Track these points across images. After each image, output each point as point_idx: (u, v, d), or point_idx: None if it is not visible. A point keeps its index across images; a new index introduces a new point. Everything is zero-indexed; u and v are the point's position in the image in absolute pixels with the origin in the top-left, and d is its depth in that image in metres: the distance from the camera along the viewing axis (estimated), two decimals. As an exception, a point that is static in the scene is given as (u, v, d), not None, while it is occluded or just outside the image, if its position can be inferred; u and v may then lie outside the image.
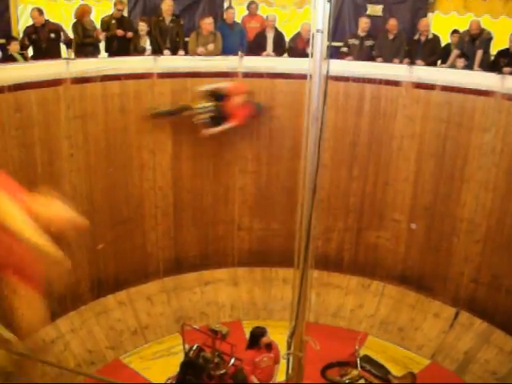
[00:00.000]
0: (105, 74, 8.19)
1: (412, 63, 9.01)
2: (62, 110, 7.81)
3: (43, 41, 8.49)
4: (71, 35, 9.02)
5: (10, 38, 8.35)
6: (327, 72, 4.58)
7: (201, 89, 8.62)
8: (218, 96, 8.64)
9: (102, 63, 8.33)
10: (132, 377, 8.17)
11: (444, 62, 9.35)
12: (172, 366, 8.10)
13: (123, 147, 8.66)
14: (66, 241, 8.22)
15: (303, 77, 7.92)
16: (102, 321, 8.86)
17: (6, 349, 6.15)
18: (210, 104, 8.53)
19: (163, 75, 8.72)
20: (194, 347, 8.07)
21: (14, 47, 8.00)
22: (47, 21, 8.65)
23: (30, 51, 8.69)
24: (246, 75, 9.16)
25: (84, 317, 8.72)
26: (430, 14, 10.28)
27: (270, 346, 7.25)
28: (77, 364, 8.21)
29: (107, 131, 8.43)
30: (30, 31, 8.55)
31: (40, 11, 8.53)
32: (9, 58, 7.98)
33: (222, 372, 7.97)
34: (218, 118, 8.60)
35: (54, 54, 8.38)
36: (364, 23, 9.50)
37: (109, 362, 8.60)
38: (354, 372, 8.08)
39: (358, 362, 7.77)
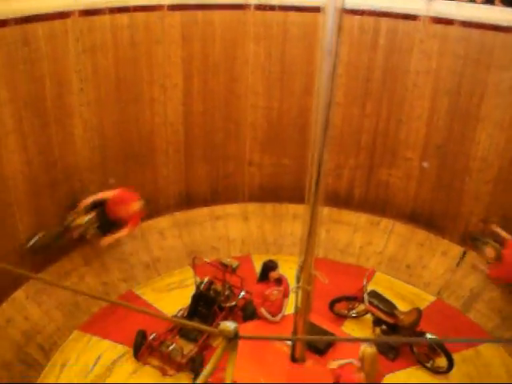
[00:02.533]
0: (113, 6, 7.99)
1: (431, -4, 8.71)
2: (71, 43, 7.67)
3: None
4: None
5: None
6: (342, 4, 4.43)
7: (81, 206, 8.14)
8: (97, 205, 8.24)
9: (111, -6, 8.11)
10: (145, 307, 8.39)
11: (464, -5, 9.01)
12: (183, 297, 8.33)
13: (134, 81, 8.55)
14: (78, 177, 8.37)
15: (317, 9, 7.75)
16: (115, 254, 9.03)
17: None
18: (92, 215, 8.13)
19: (174, 7, 8.48)
20: (205, 280, 8.28)
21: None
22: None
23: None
24: (258, 7, 8.91)
25: (98, 250, 8.89)
26: None
27: (279, 280, 7.40)
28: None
29: (117, 64, 8.30)
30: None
31: None
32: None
33: (232, 304, 8.20)
34: (105, 225, 8.28)
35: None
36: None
37: (122, 294, 8.83)
38: (361, 306, 8.27)
39: (366, 296, 7.94)
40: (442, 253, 9.30)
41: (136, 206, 8.29)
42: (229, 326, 2.46)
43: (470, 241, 8.77)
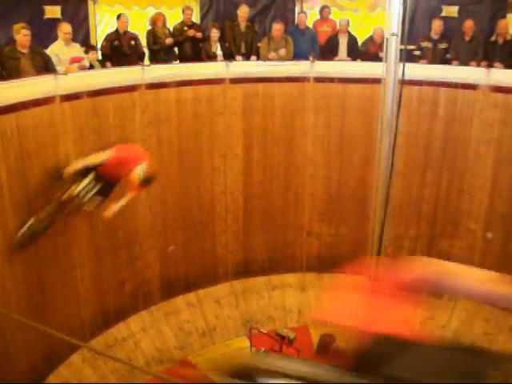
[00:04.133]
0: (178, 80, 8.38)
1: (490, 66, 8.69)
2: (137, 115, 8.04)
3: (125, 47, 8.73)
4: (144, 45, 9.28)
5: (88, 47, 8.65)
6: (402, 76, 4.49)
7: (67, 174, 6.71)
8: (90, 169, 6.77)
9: (176, 69, 8.51)
10: (199, 377, 8.26)
11: (523, 64, 8.96)
12: (239, 368, 8.14)
13: (195, 151, 8.81)
14: (138, 243, 8.53)
15: (375, 81, 7.86)
16: (171, 321, 9.04)
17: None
18: (88, 180, 6.68)
19: (235, 80, 8.81)
20: (262, 351, 8.09)
21: (91, 56, 8.30)
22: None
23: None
24: (318, 80, 9.11)
25: (154, 316, 8.93)
26: (509, 15, 9.88)
27: (337, 352, 7.17)
28: (146, 362, 8.42)
29: (180, 135, 8.60)
30: (112, 38, 8.76)
31: (126, 18, 8.84)
32: (90, 66, 8.28)
33: (288, 377, 7.95)
34: (105, 187, 6.83)
35: (134, 62, 8.57)
36: (437, 26, 9.22)
37: (177, 362, 8.75)
38: None
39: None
40: (509, 328, 8.80)
41: (139, 169, 6.65)
42: None
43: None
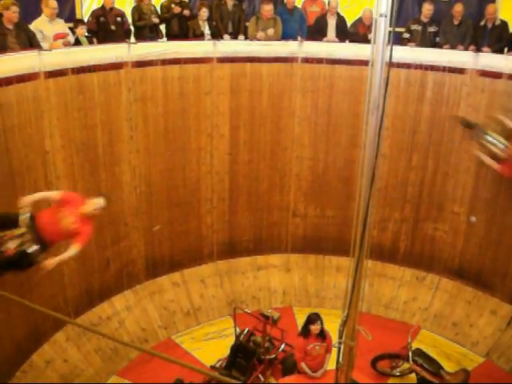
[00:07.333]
0: (165, 58, 8.28)
1: (478, 50, 8.69)
2: (123, 93, 7.96)
3: (111, 24, 8.58)
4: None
5: (77, 21, 8.49)
6: (390, 58, 4.45)
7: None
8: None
9: (163, 47, 8.40)
10: (183, 356, 8.31)
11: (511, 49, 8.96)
12: (223, 348, 8.21)
13: (181, 130, 8.76)
14: (124, 222, 8.48)
15: (363, 63, 7.80)
16: (155, 300, 9.06)
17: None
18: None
19: (222, 59, 8.74)
20: (245, 331, 8.16)
21: (80, 31, 8.16)
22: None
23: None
24: (306, 60, 9.06)
25: (139, 296, 8.94)
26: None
27: (323, 335, 7.23)
28: (130, 341, 8.43)
29: (166, 114, 8.53)
30: (99, 13, 8.62)
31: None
32: (75, 42, 8.14)
33: (271, 357, 8.03)
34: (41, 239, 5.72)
35: (120, 39, 8.44)
36: (427, 10, 9.15)
37: (161, 341, 8.80)
38: (406, 365, 7.96)
39: (410, 355, 7.65)
40: (490, 311, 8.93)
41: (84, 209, 5.79)
42: None
43: (464, 126, 7.93)
